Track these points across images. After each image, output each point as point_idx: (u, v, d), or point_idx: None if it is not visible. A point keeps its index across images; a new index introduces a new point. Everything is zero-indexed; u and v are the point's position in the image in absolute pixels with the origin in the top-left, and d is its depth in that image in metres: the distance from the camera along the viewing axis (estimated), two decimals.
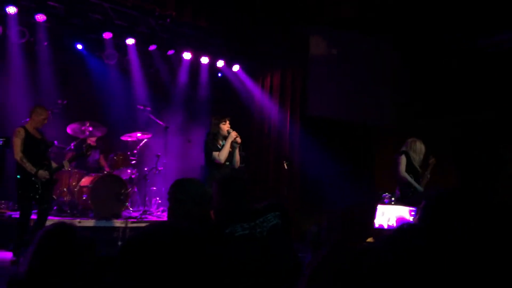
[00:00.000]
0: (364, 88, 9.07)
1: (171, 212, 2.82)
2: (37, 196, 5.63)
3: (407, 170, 6.07)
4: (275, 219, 2.76)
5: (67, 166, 6.18)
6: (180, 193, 2.82)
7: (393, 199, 6.24)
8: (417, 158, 6.16)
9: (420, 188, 6.06)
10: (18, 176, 5.59)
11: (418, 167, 6.17)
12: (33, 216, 5.86)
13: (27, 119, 5.86)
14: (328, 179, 8.37)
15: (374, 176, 9.49)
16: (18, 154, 5.55)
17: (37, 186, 5.62)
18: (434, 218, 2.22)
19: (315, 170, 8.58)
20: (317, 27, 8.82)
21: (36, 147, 5.72)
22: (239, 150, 6.11)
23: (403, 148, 6.22)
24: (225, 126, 5.98)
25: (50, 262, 2.07)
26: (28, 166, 5.57)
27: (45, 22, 7.72)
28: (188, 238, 1.41)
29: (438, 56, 8.38)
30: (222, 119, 6.00)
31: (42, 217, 5.75)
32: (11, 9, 7.34)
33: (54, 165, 5.96)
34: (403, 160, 6.08)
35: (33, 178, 5.60)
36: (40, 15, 7.59)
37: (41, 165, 5.69)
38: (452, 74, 8.29)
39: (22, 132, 5.62)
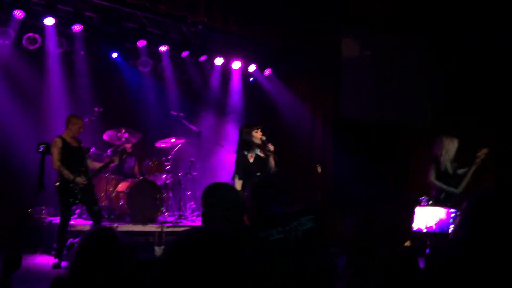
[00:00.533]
0: (397, 89, 8.93)
1: (204, 216, 2.85)
2: (77, 201, 5.85)
3: (439, 176, 5.94)
4: (309, 223, 2.75)
5: (117, 160, 6.49)
6: (212, 198, 2.84)
7: (430, 202, 6.10)
8: (448, 156, 5.97)
9: (456, 191, 5.89)
10: (57, 184, 5.82)
11: (450, 169, 5.97)
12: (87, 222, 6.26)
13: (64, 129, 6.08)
14: (361, 182, 8.28)
15: (408, 177, 9.31)
16: (56, 163, 5.77)
17: (76, 191, 5.81)
18: (476, 220, 2.17)
19: (347, 173, 8.50)
20: (349, 29, 8.75)
21: (73, 155, 5.92)
22: (273, 156, 6.09)
23: (433, 151, 6.07)
24: (258, 134, 5.98)
25: (92, 264, 2.13)
26: (66, 174, 5.77)
27: (81, 32, 7.94)
28: (224, 242, 1.42)
29: (472, 55, 8.18)
30: (254, 127, 6.01)
31: (96, 219, 6.01)
32: (49, 21, 7.58)
33: (96, 165, 6.37)
34: (432, 167, 5.98)
35: (71, 185, 5.79)
36: (77, 25, 7.81)
37: (78, 171, 5.88)
38: (487, 72, 8.08)
39: (58, 142, 5.83)
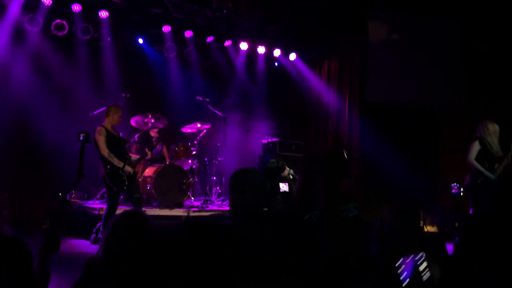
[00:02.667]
0: (428, 72, 8.76)
1: (232, 202, 2.85)
2: (125, 188, 5.93)
3: (481, 157, 5.68)
4: (355, 210, 2.75)
5: (150, 154, 6.52)
6: (240, 183, 2.84)
7: (461, 189, 5.93)
8: (494, 141, 5.73)
9: (491, 176, 5.66)
10: (107, 170, 5.86)
11: (495, 152, 5.73)
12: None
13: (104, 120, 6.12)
14: (390, 168, 8.18)
15: (439, 163, 9.15)
16: (105, 150, 5.83)
17: (123, 179, 5.90)
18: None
19: (376, 158, 8.41)
20: (376, 11, 8.58)
21: (117, 144, 6.02)
22: None
23: (477, 134, 5.83)
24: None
25: (123, 246, 2.18)
26: (116, 161, 5.86)
27: (108, 18, 8.01)
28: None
29: (504, 35, 7.93)
30: None
31: (137, 206, 6.03)
32: (76, 7, 7.66)
33: (134, 158, 6.38)
34: (474, 146, 5.69)
35: (120, 172, 5.87)
36: (103, 11, 7.88)
37: (125, 159, 5.97)
38: None
39: (103, 130, 5.92)
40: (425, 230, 7.58)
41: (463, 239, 2.73)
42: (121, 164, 5.88)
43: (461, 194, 6.57)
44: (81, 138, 5.31)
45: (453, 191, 6.81)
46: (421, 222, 7.62)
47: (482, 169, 5.65)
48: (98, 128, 5.93)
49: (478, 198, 5.58)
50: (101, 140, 5.85)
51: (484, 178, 5.63)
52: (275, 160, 5.88)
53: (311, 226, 2.68)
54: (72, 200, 7.38)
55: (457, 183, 6.74)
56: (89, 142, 5.76)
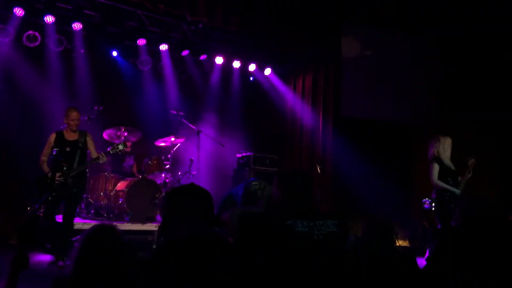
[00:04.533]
0: (400, 87, 8.94)
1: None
2: (50, 198, 5.50)
3: (442, 175, 5.86)
4: (334, 227, 2.74)
5: (102, 159, 5.98)
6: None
7: (433, 204, 6.05)
8: (446, 155, 5.93)
9: (457, 191, 5.81)
10: (36, 179, 5.75)
11: (451, 166, 5.92)
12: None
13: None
14: (362, 182, 8.27)
15: (411, 178, 9.30)
16: (41, 157, 5.82)
17: (51, 188, 5.61)
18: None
19: (348, 172, 8.50)
20: (350, 27, 8.75)
21: (63, 149, 5.78)
22: None
23: (431, 151, 5.99)
24: None
25: (93, 262, 2.11)
26: (45, 169, 5.78)
27: (81, 30, 7.93)
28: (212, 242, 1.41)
29: (477, 52, 8.17)
30: None
31: (66, 220, 5.69)
32: (49, 18, 7.57)
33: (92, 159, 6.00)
34: (434, 167, 5.86)
35: (48, 180, 5.67)
36: (77, 23, 7.81)
37: (58, 167, 5.67)
38: (492, 70, 8.07)
39: (52, 137, 5.88)
40: (397, 244, 7.66)
41: (433, 253, 2.77)
42: (47, 171, 5.75)
43: (433, 209, 6.68)
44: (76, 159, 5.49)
45: (424, 206, 6.94)
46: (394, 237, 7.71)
47: (447, 186, 5.81)
48: (51, 134, 5.93)
49: (446, 212, 5.71)
50: (45, 147, 5.86)
51: (451, 193, 5.79)
52: (258, 182, 5.85)
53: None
54: (41, 214, 7.19)
55: (428, 198, 6.86)
56: (88, 162, 5.85)
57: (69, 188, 5.68)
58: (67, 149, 5.83)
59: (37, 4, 7.49)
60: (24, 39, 7.60)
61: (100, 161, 6.03)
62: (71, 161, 5.79)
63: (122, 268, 2.14)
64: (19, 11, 7.35)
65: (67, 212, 5.71)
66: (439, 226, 5.87)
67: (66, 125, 5.96)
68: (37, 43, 7.68)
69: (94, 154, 6.01)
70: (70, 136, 5.91)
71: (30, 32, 7.64)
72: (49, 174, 5.65)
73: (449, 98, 8.70)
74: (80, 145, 5.87)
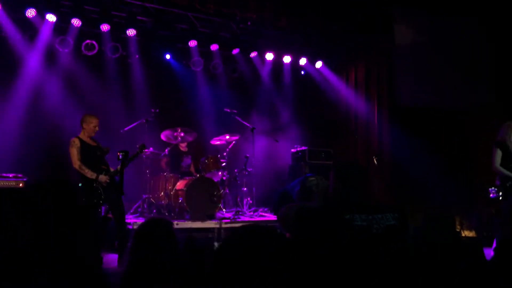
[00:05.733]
0: (455, 73, 8.60)
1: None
2: (101, 201, 5.65)
3: (505, 161, 5.54)
4: (393, 220, 2.68)
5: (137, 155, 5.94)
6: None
7: (500, 193, 5.75)
8: None
9: None
10: (80, 184, 5.63)
11: None
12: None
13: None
14: (422, 172, 8.04)
15: (473, 166, 8.93)
16: (76, 162, 5.67)
17: (99, 191, 5.66)
18: None
19: (407, 163, 8.28)
20: (401, 14, 8.51)
21: (93, 154, 5.79)
22: None
23: (498, 137, 5.67)
24: None
25: (148, 256, 2.15)
26: (88, 173, 5.64)
27: (135, 36, 8.19)
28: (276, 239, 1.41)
29: None
30: None
31: (119, 221, 5.72)
32: (105, 27, 7.88)
33: (111, 169, 5.94)
34: (497, 153, 5.54)
35: (94, 184, 5.64)
36: (131, 29, 8.06)
37: (100, 170, 5.73)
38: None
39: (76, 141, 5.75)
40: (463, 235, 7.40)
41: (500, 244, 2.66)
42: (94, 176, 5.63)
43: (500, 198, 6.39)
44: (120, 157, 5.35)
45: (491, 195, 6.63)
46: (458, 227, 7.44)
47: (507, 173, 5.50)
48: (72, 139, 5.80)
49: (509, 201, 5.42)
50: (73, 152, 5.69)
51: None
52: (314, 178, 5.76)
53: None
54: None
55: (495, 187, 6.56)
56: (130, 160, 5.64)
57: (114, 190, 5.66)
58: (98, 153, 5.85)
59: (93, 14, 7.81)
60: (82, 48, 7.95)
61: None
62: (105, 164, 5.88)
63: (173, 258, 2.16)
64: (76, 22, 7.69)
65: (120, 213, 5.74)
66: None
67: (81, 131, 5.89)
68: (95, 51, 8.01)
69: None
70: (90, 142, 5.89)
71: (88, 41, 7.97)
72: (98, 176, 5.64)
73: (506, 82, 8.28)
74: (104, 150, 5.94)
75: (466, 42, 8.63)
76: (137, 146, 6.02)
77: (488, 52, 8.62)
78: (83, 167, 5.65)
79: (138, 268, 2.14)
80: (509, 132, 5.60)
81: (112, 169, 5.91)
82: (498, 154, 5.57)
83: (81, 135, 5.87)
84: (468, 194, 8.50)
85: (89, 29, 7.96)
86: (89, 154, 5.76)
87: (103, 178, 5.66)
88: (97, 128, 5.92)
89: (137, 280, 2.13)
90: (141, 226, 2.34)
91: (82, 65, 8.11)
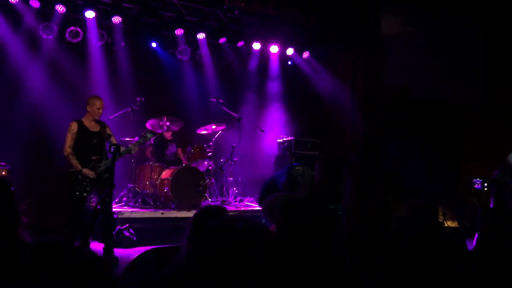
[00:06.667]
0: (445, 66, 8.65)
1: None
2: (84, 194, 5.47)
3: None
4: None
5: (134, 150, 5.83)
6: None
7: (485, 184, 5.83)
8: None
9: None
10: (70, 170, 5.48)
11: None
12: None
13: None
14: (407, 163, 8.10)
15: (458, 159, 9.04)
16: (66, 149, 5.47)
17: (84, 184, 5.46)
18: None
19: (393, 154, 8.34)
20: (389, 5, 8.51)
21: (88, 141, 5.55)
22: None
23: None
24: None
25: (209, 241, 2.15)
26: (74, 163, 5.42)
27: (121, 23, 8.08)
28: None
29: None
30: None
31: (105, 213, 5.51)
32: (90, 14, 7.75)
33: (122, 148, 5.57)
34: None
35: (79, 176, 5.45)
36: (116, 17, 7.95)
37: (88, 161, 5.49)
38: None
39: (74, 126, 5.53)
40: (446, 225, 7.50)
41: (482, 233, 2.69)
42: (78, 168, 5.40)
43: (485, 189, 6.48)
44: (111, 150, 5.27)
45: (475, 186, 6.73)
46: (441, 218, 7.54)
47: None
48: (70, 123, 5.59)
49: (503, 195, 5.49)
50: (66, 138, 5.49)
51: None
52: (300, 167, 5.74)
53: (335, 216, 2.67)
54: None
55: (479, 179, 6.65)
56: (120, 154, 5.37)
57: (103, 181, 5.50)
58: (94, 140, 5.59)
59: (77, 0, 7.69)
60: (67, 35, 7.83)
61: (132, 152, 5.91)
62: (100, 153, 5.60)
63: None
64: (60, 8, 7.56)
65: (105, 205, 5.50)
66: (491, 206, 5.68)
67: (86, 114, 5.67)
68: (80, 38, 7.90)
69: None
70: (92, 126, 5.65)
71: (72, 28, 7.86)
72: (81, 169, 5.42)
73: (498, 76, 8.35)
74: (105, 136, 5.61)
75: (456, 35, 8.68)
76: (141, 134, 5.89)
77: (480, 47, 8.67)
78: (71, 157, 5.45)
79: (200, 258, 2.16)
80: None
81: (123, 148, 5.60)
82: None
83: (84, 118, 5.65)
84: (452, 186, 8.61)
85: (74, 16, 7.84)
86: (84, 141, 5.53)
87: (87, 172, 5.46)
88: (101, 111, 5.67)
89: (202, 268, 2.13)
90: (199, 212, 2.43)
91: (67, 52, 7.99)
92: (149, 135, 5.91)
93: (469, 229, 7.41)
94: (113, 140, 5.71)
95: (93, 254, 2.35)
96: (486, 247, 2.34)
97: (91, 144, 5.57)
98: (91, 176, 5.49)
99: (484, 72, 8.64)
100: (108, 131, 5.70)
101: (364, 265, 2.36)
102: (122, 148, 5.63)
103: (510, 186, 5.45)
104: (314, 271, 2.10)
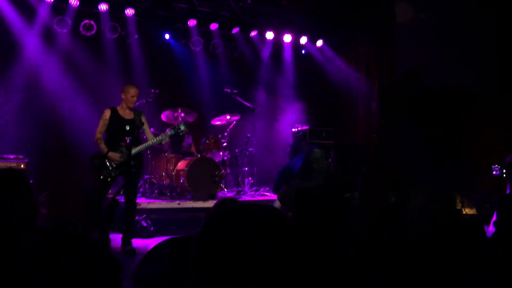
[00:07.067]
0: (459, 52, 8.51)
1: None
2: (109, 179, 5.52)
3: None
4: (393, 198, 2.71)
5: (165, 140, 5.96)
6: None
7: (504, 170, 5.76)
8: None
9: None
10: (92, 157, 5.58)
11: None
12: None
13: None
14: (423, 151, 8.02)
15: (473, 145, 8.92)
16: (96, 135, 5.59)
17: (110, 169, 5.52)
18: None
19: (408, 142, 8.27)
20: None
21: (120, 128, 5.59)
22: None
23: None
24: None
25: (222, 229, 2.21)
26: (102, 147, 5.50)
27: (134, 15, 8.10)
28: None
29: None
30: None
31: (128, 207, 5.60)
32: (103, 6, 7.79)
33: (154, 140, 5.79)
34: None
35: (106, 160, 5.48)
36: (129, 9, 7.98)
37: (116, 147, 5.52)
38: None
39: (107, 113, 5.63)
40: (464, 212, 7.43)
41: (500, 219, 2.66)
42: (104, 151, 5.46)
43: (504, 175, 6.40)
44: (127, 141, 5.30)
45: (494, 172, 6.64)
46: (459, 205, 7.47)
47: None
48: (105, 110, 5.70)
49: None
50: (99, 124, 5.61)
51: None
52: (319, 150, 5.76)
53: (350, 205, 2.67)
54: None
55: (498, 165, 6.56)
56: (153, 142, 5.66)
57: (130, 168, 5.48)
58: (127, 127, 5.61)
59: None
60: (81, 28, 7.87)
61: (163, 142, 6.03)
62: (131, 140, 5.54)
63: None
64: (74, 1, 7.61)
65: (130, 192, 5.64)
66: (508, 191, 5.63)
67: (121, 102, 5.75)
68: (93, 31, 7.94)
69: (149, 134, 5.92)
70: (126, 114, 5.69)
71: (86, 21, 7.90)
72: (108, 153, 5.48)
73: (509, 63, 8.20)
74: (138, 124, 5.59)
75: (468, 22, 8.52)
76: (175, 125, 5.99)
77: (492, 32, 8.50)
78: (99, 141, 5.53)
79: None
80: None
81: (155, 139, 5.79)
82: None
83: (119, 107, 5.72)
84: (468, 174, 8.51)
85: (87, 9, 7.88)
86: (116, 128, 5.59)
87: (113, 155, 5.49)
88: (135, 99, 5.72)
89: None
90: (215, 205, 2.46)
91: (81, 46, 8.03)
92: (182, 127, 6.01)
93: (486, 216, 7.34)
94: (147, 129, 5.85)
95: (106, 249, 2.38)
96: (505, 233, 2.31)
97: (123, 131, 5.58)
98: (118, 159, 5.51)
99: (495, 59, 8.48)
100: (143, 119, 5.75)
101: (375, 255, 2.36)
102: (153, 138, 5.79)
103: None
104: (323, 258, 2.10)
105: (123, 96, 5.73)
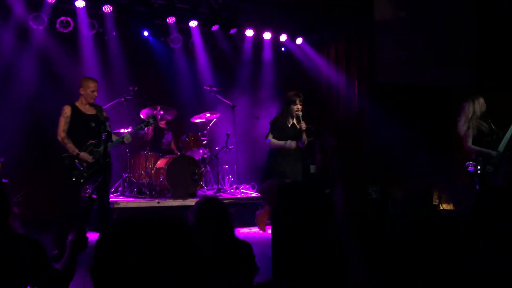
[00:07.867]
0: (437, 50, 8.62)
1: None
2: (82, 180, 5.28)
3: (478, 139, 5.74)
4: (375, 194, 2.73)
5: (127, 140, 5.74)
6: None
7: (479, 167, 5.91)
8: (477, 114, 5.79)
9: (489, 151, 5.68)
10: (63, 155, 5.27)
11: (486, 126, 5.74)
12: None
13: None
14: (403, 148, 8.11)
15: (451, 141, 9.05)
16: (60, 134, 5.25)
17: (81, 169, 5.25)
18: None
19: (388, 139, 8.34)
20: None
21: (85, 125, 5.33)
22: (305, 133, 6.13)
23: (462, 119, 5.83)
24: (295, 107, 6.22)
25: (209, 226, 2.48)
26: (70, 147, 5.19)
27: (111, 12, 8.00)
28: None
29: None
30: (295, 97, 6.16)
31: (101, 201, 5.31)
32: (80, 3, 7.67)
33: (114, 138, 5.56)
34: (467, 134, 5.76)
35: (76, 161, 5.22)
36: (107, 6, 7.87)
37: (86, 145, 5.28)
38: None
39: (67, 110, 5.27)
40: (441, 208, 7.54)
41: (471, 214, 2.70)
42: (75, 152, 5.17)
43: (478, 172, 6.52)
44: (103, 137, 5.10)
45: (469, 169, 6.76)
46: (437, 201, 7.58)
47: (479, 148, 5.74)
48: (63, 106, 5.33)
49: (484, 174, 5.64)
50: (60, 122, 5.24)
51: (484, 156, 5.69)
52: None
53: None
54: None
55: (472, 161, 6.69)
56: (112, 141, 5.34)
57: (103, 167, 5.28)
58: (92, 124, 5.34)
59: None
60: (57, 25, 7.73)
61: (126, 142, 5.77)
62: (98, 137, 5.34)
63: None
64: None
65: (102, 192, 5.35)
66: (477, 187, 5.80)
67: (79, 98, 5.43)
68: (70, 28, 7.81)
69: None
70: (88, 110, 5.40)
71: (63, 18, 7.75)
72: (78, 153, 5.20)
73: (487, 60, 8.34)
74: (102, 119, 5.34)
75: (448, 19, 8.63)
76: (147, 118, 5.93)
77: (471, 32, 8.63)
78: (66, 141, 5.21)
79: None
80: (468, 109, 5.75)
81: (115, 137, 5.56)
82: (468, 137, 5.78)
83: (78, 102, 5.38)
84: (448, 169, 8.63)
85: (64, 5, 7.74)
86: (80, 125, 5.30)
87: (84, 156, 5.23)
88: (95, 94, 5.41)
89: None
90: (200, 203, 2.66)
91: (58, 43, 7.89)
92: (151, 121, 6.01)
93: (464, 211, 7.45)
94: (108, 126, 5.49)
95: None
96: (474, 227, 2.34)
97: (89, 128, 5.34)
98: (89, 161, 5.27)
99: (474, 56, 8.62)
100: (105, 114, 5.49)
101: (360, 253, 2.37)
102: (114, 137, 5.57)
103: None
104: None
105: (81, 91, 5.38)
